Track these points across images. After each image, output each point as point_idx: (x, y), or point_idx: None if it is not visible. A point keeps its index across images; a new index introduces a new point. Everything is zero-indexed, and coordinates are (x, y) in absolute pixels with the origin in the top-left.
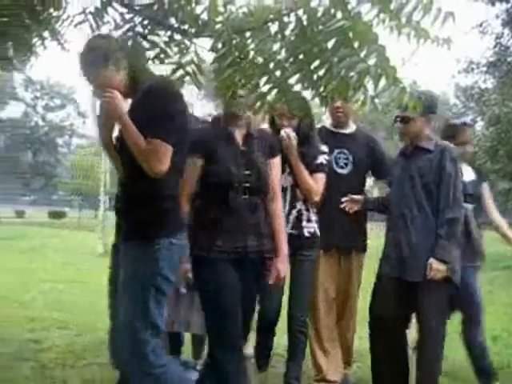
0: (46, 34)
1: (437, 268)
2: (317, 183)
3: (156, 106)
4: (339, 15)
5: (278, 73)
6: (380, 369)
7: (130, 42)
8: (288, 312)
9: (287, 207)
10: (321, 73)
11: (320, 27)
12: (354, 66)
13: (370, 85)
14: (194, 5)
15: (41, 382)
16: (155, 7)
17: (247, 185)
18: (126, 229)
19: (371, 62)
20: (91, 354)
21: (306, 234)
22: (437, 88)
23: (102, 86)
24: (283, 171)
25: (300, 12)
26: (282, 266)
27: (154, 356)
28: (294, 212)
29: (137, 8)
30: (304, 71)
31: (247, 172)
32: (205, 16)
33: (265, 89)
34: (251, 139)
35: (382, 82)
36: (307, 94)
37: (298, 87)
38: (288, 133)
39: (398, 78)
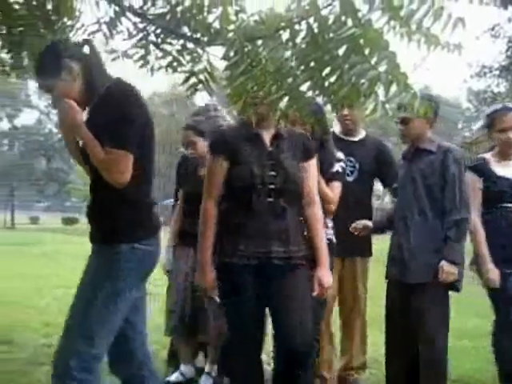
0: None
1: (449, 270)
2: (333, 192)
3: (113, 111)
4: (350, 23)
5: (289, 80)
6: (395, 374)
7: (86, 47)
8: None
9: None
10: (332, 80)
11: (331, 35)
12: (364, 73)
13: (380, 91)
14: (206, 14)
15: None
16: (168, 16)
17: (272, 187)
18: (90, 232)
19: (382, 68)
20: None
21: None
22: (449, 92)
23: (57, 96)
24: None
25: (311, 20)
26: (324, 276)
27: (78, 371)
28: None
29: (150, 17)
30: (315, 78)
31: (272, 173)
32: (217, 24)
33: (276, 96)
34: (280, 140)
35: (393, 89)
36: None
37: (309, 94)
38: None
39: (409, 83)
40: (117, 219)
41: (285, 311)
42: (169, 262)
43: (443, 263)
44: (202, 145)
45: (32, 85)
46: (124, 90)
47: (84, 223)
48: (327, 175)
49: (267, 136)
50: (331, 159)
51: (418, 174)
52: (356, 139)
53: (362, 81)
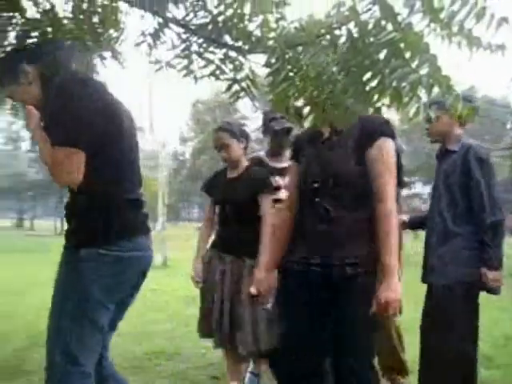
0: (105, 54)
1: (493, 278)
2: None
3: (57, 107)
4: (390, 27)
5: (330, 85)
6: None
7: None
8: None
9: None
10: (373, 84)
11: (371, 39)
12: (405, 77)
13: (423, 94)
14: (246, 22)
15: None
16: (210, 26)
17: (316, 186)
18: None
19: (423, 71)
20: (150, 362)
21: None
22: (496, 92)
23: (19, 101)
24: None
25: (351, 25)
26: (387, 291)
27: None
28: None
29: (192, 28)
30: (356, 83)
31: (318, 173)
32: (258, 32)
33: (318, 101)
34: (334, 136)
35: (436, 91)
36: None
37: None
38: None
39: (452, 85)
40: (81, 222)
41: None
42: (199, 273)
43: (485, 271)
44: (236, 147)
45: None
46: (72, 84)
47: None
48: None
49: (326, 134)
50: None
51: (441, 174)
52: None
53: (404, 84)
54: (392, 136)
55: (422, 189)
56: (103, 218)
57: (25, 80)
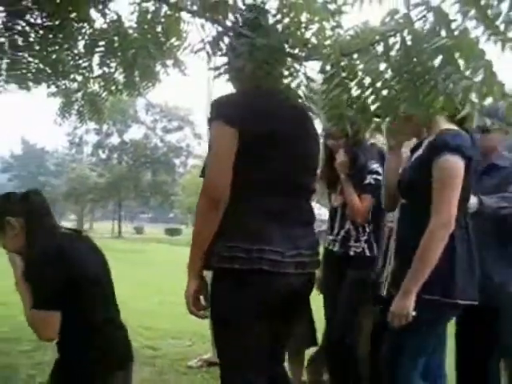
0: (168, 62)
1: None
2: (362, 204)
3: (33, 274)
4: (443, 33)
5: (384, 92)
6: None
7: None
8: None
9: (337, 227)
10: (426, 90)
11: (425, 46)
12: (458, 83)
13: (476, 100)
14: (303, 30)
15: None
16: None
17: None
18: None
19: (478, 78)
20: None
21: (351, 253)
22: None
23: (5, 248)
24: (335, 191)
25: (405, 32)
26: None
27: None
28: (343, 232)
29: (250, 36)
30: (410, 90)
31: None
32: (314, 40)
33: (372, 108)
34: None
35: (490, 98)
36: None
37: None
38: (340, 153)
39: (506, 93)
40: None
41: None
42: None
43: None
44: None
45: (140, 101)
46: (45, 249)
47: (187, 234)
48: (359, 187)
49: None
50: (363, 172)
51: (490, 189)
52: None
53: (457, 91)
54: None
55: None
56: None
57: (11, 231)
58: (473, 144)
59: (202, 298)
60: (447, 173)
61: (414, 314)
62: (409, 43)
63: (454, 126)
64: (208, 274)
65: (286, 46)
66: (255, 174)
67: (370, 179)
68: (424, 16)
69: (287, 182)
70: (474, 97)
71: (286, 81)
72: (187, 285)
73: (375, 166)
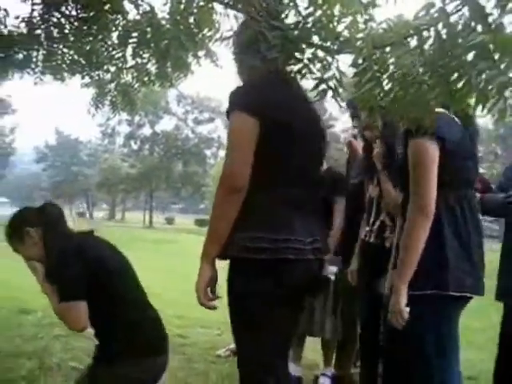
0: (200, 53)
1: None
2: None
3: (56, 270)
4: (479, 28)
5: (416, 86)
6: None
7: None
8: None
9: (372, 218)
10: (459, 86)
11: (459, 40)
12: (493, 79)
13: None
14: (335, 23)
15: (186, 372)
16: (299, 26)
17: None
18: None
19: None
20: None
21: (387, 245)
22: None
23: (26, 258)
24: (372, 182)
25: (439, 26)
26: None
27: None
28: (378, 222)
29: (282, 27)
30: (442, 84)
31: None
32: (346, 33)
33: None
34: None
35: None
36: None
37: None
38: (377, 144)
39: None
40: None
41: None
42: None
43: None
44: None
45: (171, 92)
46: (64, 249)
47: None
48: (395, 178)
49: None
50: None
51: None
52: None
53: (490, 87)
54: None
55: None
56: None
57: (30, 241)
58: (455, 125)
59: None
60: (417, 156)
61: (407, 309)
62: (443, 37)
63: (440, 109)
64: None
65: (318, 38)
66: (276, 164)
67: None
68: (459, 10)
69: (304, 172)
70: (508, 93)
71: (318, 73)
72: (200, 274)
73: None
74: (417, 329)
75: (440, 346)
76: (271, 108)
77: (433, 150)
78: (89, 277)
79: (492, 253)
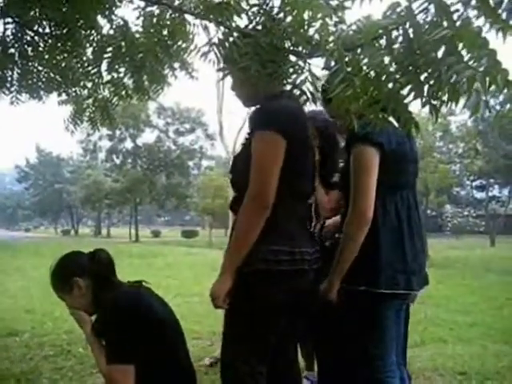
0: (176, 65)
1: None
2: (329, 200)
3: (109, 329)
4: (445, 24)
5: (389, 85)
6: None
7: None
8: None
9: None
10: (431, 82)
11: (426, 37)
12: (461, 73)
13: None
14: (306, 28)
15: None
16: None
17: None
18: None
19: (482, 67)
20: None
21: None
22: None
23: (71, 307)
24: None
25: (407, 25)
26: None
27: None
28: (318, 226)
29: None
30: (414, 82)
31: None
32: (317, 37)
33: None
34: None
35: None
36: (417, 103)
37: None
38: None
39: (510, 81)
40: None
41: None
42: None
43: None
44: None
45: (151, 105)
46: (124, 306)
47: (204, 235)
48: (327, 183)
49: None
50: (333, 170)
51: None
52: None
53: (461, 80)
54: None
55: (498, 191)
56: None
57: (78, 292)
58: (393, 132)
59: None
60: (356, 163)
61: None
62: (411, 36)
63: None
64: None
65: (290, 43)
66: (295, 183)
67: (337, 177)
68: (425, 8)
69: (308, 190)
70: (478, 86)
71: (291, 78)
72: (221, 282)
73: None
74: (352, 318)
75: (376, 337)
76: (293, 125)
77: (371, 156)
78: (140, 332)
79: (481, 249)
